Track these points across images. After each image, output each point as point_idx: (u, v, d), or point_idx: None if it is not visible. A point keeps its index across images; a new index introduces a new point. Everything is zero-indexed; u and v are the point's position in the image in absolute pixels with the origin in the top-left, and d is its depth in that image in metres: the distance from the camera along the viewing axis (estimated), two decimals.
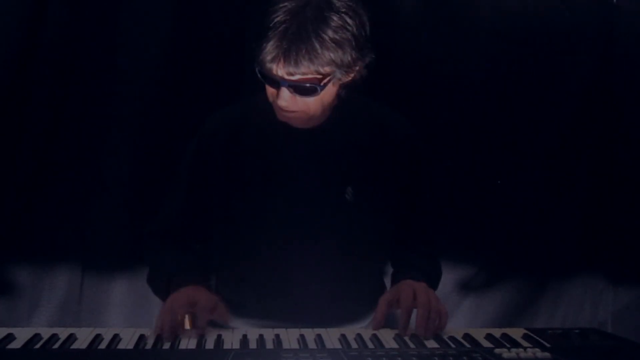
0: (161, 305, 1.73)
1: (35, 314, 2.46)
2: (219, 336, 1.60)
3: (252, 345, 1.55)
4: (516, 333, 1.66)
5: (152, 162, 2.43)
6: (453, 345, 1.57)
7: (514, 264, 2.63)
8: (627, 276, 2.65)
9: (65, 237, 2.44)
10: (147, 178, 2.42)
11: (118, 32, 2.38)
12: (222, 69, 2.41)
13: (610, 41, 2.54)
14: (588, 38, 2.53)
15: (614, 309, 2.68)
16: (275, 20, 1.59)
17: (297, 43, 1.57)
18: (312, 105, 1.68)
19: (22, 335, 1.57)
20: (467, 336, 1.63)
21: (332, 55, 1.59)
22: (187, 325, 1.81)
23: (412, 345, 1.57)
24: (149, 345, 1.55)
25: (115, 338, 1.58)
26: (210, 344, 1.56)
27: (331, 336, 1.61)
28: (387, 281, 1.96)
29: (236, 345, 1.55)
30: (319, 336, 1.60)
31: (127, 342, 1.56)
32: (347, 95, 1.74)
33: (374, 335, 1.63)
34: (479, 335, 1.64)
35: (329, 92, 1.68)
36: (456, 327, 1.72)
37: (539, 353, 1.47)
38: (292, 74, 1.60)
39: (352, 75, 1.68)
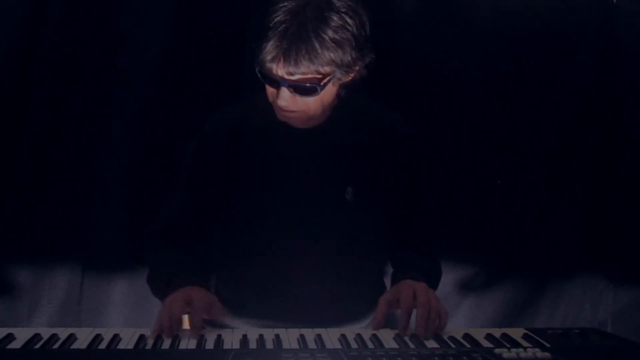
0: (160, 305, 1.74)
1: (35, 314, 2.46)
2: (219, 336, 1.60)
3: (252, 345, 1.55)
4: (516, 333, 1.66)
5: (152, 162, 2.43)
6: (453, 345, 1.57)
7: (514, 264, 2.63)
8: (627, 276, 2.65)
9: (65, 237, 2.44)
10: (147, 178, 2.42)
11: (118, 32, 2.38)
12: (222, 69, 2.41)
13: (610, 41, 2.54)
14: (588, 38, 2.53)
15: (614, 309, 2.68)
16: (275, 20, 1.59)
17: (297, 43, 1.57)
18: (312, 105, 1.68)
19: (22, 335, 1.57)
20: (467, 336, 1.63)
21: (332, 55, 1.59)
22: (187, 325, 1.81)
23: (412, 345, 1.57)
24: (149, 345, 1.55)
25: (115, 338, 1.58)
26: (210, 344, 1.56)
27: (331, 336, 1.61)
28: (387, 281, 1.96)
29: (236, 345, 1.55)
30: (319, 336, 1.60)
31: (127, 342, 1.56)
32: (347, 95, 1.74)
33: (374, 335, 1.63)
34: (479, 335, 1.64)
35: (329, 92, 1.68)
36: (456, 327, 1.72)
37: (539, 353, 1.47)
38: (292, 74, 1.61)
39: (352, 75, 1.68)
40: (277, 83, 1.64)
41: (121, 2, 2.37)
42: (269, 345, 1.55)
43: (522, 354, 1.46)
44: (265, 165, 1.81)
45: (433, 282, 1.88)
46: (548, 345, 1.58)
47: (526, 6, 2.49)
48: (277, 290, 1.84)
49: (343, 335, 1.61)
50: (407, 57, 2.48)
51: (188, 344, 1.56)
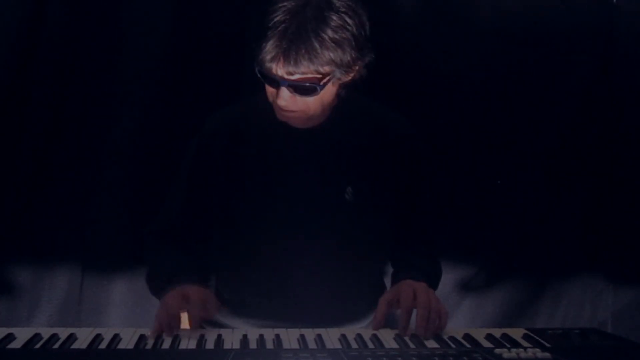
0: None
1: (35, 314, 2.46)
2: (219, 336, 1.60)
3: (252, 345, 1.55)
4: (516, 333, 1.66)
5: (152, 162, 2.42)
6: (453, 346, 1.57)
7: (514, 264, 2.63)
8: (627, 276, 2.65)
9: (65, 237, 2.44)
10: (147, 178, 2.42)
11: (118, 32, 2.38)
12: (222, 69, 2.41)
13: (610, 41, 2.54)
14: (588, 38, 2.53)
15: (614, 309, 2.68)
16: (275, 19, 1.60)
17: (296, 43, 1.57)
18: (311, 105, 1.68)
19: (22, 335, 1.57)
20: (467, 336, 1.63)
21: (331, 54, 1.60)
22: (186, 325, 1.81)
23: (412, 345, 1.57)
24: (149, 345, 1.55)
25: (115, 338, 1.58)
26: (210, 344, 1.56)
27: (331, 336, 1.61)
28: (387, 281, 1.96)
29: (236, 345, 1.55)
30: (319, 336, 1.60)
31: (127, 342, 1.56)
32: (347, 95, 1.74)
33: (374, 335, 1.63)
34: (479, 335, 1.64)
35: (328, 92, 1.68)
36: (456, 327, 1.72)
37: (539, 353, 1.47)
38: (291, 74, 1.61)
39: (351, 75, 1.68)
40: (276, 83, 1.64)
41: (121, 2, 2.37)
42: (269, 345, 1.55)
43: (522, 354, 1.46)
44: (265, 165, 1.81)
45: (433, 282, 1.88)
46: (548, 345, 1.58)
47: (526, 6, 2.49)
48: (277, 290, 1.84)
49: (343, 335, 1.61)
50: (407, 57, 2.48)
51: (188, 344, 1.56)
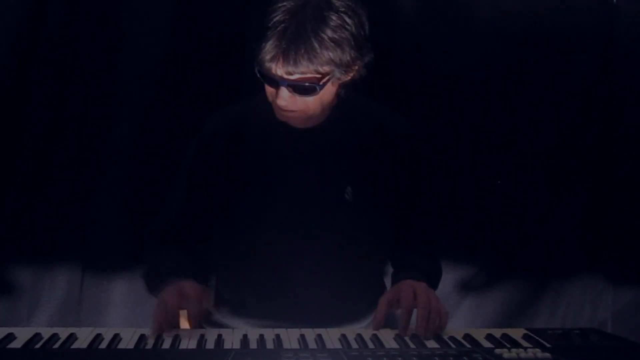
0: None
1: (35, 314, 2.46)
2: (220, 336, 1.60)
3: (253, 345, 1.55)
4: (516, 333, 1.66)
5: (152, 162, 2.42)
6: (453, 346, 1.57)
7: (514, 264, 2.63)
8: (627, 276, 2.65)
9: (65, 237, 2.44)
10: (147, 178, 2.42)
11: (118, 32, 2.38)
12: (222, 69, 2.41)
13: (610, 41, 2.54)
14: (588, 38, 2.53)
15: (614, 309, 2.68)
16: (274, 19, 1.60)
17: (296, 42, 1.57)
18: (311, 104, 1.68)
19: (22, 335, 1.57)
20: (467, 336, 1.63)
21: (331, 54, 1.60)
22: (186, 325, 1.81)
23: (412, 346, 1.57)
24: (149, 345, 1.55)
25: (116, 338, 1.58)
26: (210, 344, 1.56)
27: (331, 336, 1.61)
28: (387, 281, 1.96)
29: (236, 345, 1.55)
30: (319, 336, 1.60)
31: (127, 342, 1.56)
32: (347, 95, 1.74)
33: (375, 335, 1.63)
34: (479, 335, 1.64)
35: (328, 92, 1.68)
36: (456, 327, 1.72)
37: (539, 353, 1.47)
38: (291, 74, 1.61)
39: (351, 74, 1.68)
40: (276, 83, 1.64)
41: (121, 2, 2.37)
42: (270, 345, 1.55)
43: (523, 354, 1.46)
44: (265, 165, 1.81)
45: (433, 282, 1.88)
46: (548, 345, 1.58)
47: (526, 6, 2.49)
48: (277, 290, 1.84)
49: (343, 335, 1.61)
50: (407, 57, 2.48)
51: (188, 344, 1.56)
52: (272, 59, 1.60)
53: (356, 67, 1.67)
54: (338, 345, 1.56)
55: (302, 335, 1.60)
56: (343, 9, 1.62)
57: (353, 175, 1.81)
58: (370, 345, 1.57)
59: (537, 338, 1.63)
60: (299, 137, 1.78)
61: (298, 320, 1.74)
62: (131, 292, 2.48)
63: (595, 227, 2.64)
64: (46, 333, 1.59)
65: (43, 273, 2.46)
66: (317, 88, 1.63)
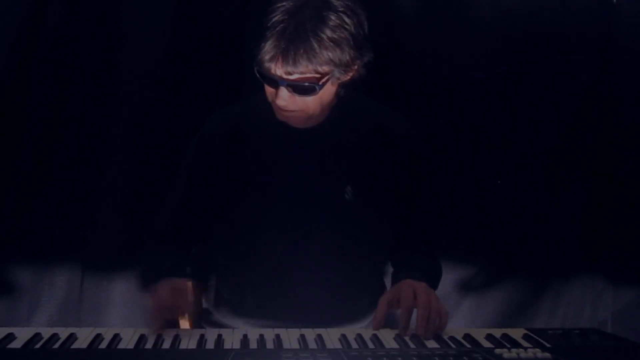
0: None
1: (35, 314, 2.46)
2: (219, 336, 1.59)
3: (253, 345, 1.55)
4: (516, 333, 1.66)
5: (152, 162, 2.42)
6: (453, 346, 1.57)
7: (514, 264, 2.63)
8: (627, 276, 2.65)
9: (65, 237, 2.44)
10: (147, 178, 2.42)
11: (118, 32, 2.38)
12: (222, 69, 2.41)
13: (610, 41, 2.54)
14: (588, 38, 2.53)
15: (614, 309, 2.67)
16: (273, 19, 1.60)
17: (295, 42, 1.57)
18: (311, 104, 1.68)
19: (22, 335, 1.57)
20: (467, 336, 1.63)
21: (330, 54, 1.60)
22: (186, 325, 1.81)
23: (412, 346, 1.57)
24: (149, 345, 1.55)
25: (116, 338, 1.58)
26: (210, 344, 1.56)
27: (331, 336, 1.61)
28: (387, 281, 1.96)
29: (236, 345, 1.54)
30: (319, 336, 1.60)
31: (127, 342, 1.56)
32: (346, 95, 1.74)
33: (375, 335, 1.63)
34: (479, 335, 1.64)
35: (327, 92, 1.68)
36: (456, 327, 1.72)
37: (539, 353, 1.47)
38: (290, 74, 1.61)
39: (350, 74, 1.68)
40: (275, 83, 1.64)
41: (121, 2, 2.37)
42: (270, 345, 1.55)
43: (523, 354, 1.46)
44: (265, 165, 1.81)
45: (433, 282, 1.88)
46: (548, 345, 1.58)
47: (526, 6, 2.49)
48: (277, 290, 1.83)
49: (343, 335, 1.61)
50: (407, 57, 2.48)
51: (188, 344, 1.56)
52: (271, 59, 1.60)
53: (355, 67, 1.67)
54: (338, 345, 1.56)
55: (302, 335, 1.60)
56: (342, 9, 1.62)
57: (353, 175, 1.81)
58: (370, 345, 1.57)
59: (537, 338, 1.62)
60: (299, 137, 1.78)
61: (298, 320, 1.74)
62: (131, 292, 2.48)
63: (595, 227, 2.64)
64: (46, 333, 1.58)
65: (43, 273, 2.46)
66: (317, 88, 1.63)
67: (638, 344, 1.61)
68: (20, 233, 2.41)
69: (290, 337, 1.60)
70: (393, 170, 1.84)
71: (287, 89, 1.63)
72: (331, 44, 1.59)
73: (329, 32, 1.59)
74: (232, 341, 1.58)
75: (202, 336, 1.59)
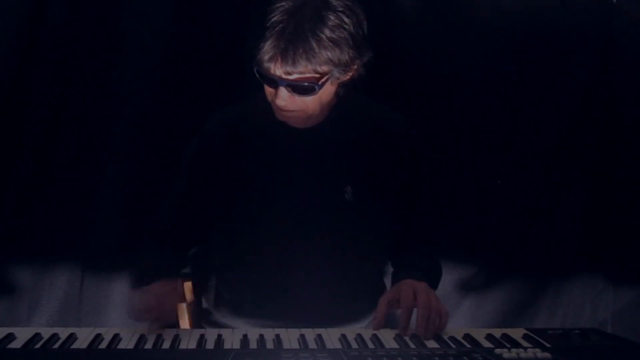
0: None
1: (35, 314, 2.46)
2: (219, 336, 1.59)
3: (253, 345, 1.55)
4: (516, 333, 1.66)
5: (152, 162, 2.42)
6: (453, 346, 1.57)
7: (514, 264, 2.63)
8: (627, 276, 2.65)
9: (65, 237, 2.44)
10: (147, 178, 2.42)
11: (118, 32, 2.38)
12: (222, 69, 2.41)
13: (610, 41, 2.54)
14: (588, 38, 2.53)
15: (614, 309, 2.67)
16: (273, 19, 1.60)
17: (294, 42, 1.58)
18: (310, 104, 1.68)
19: (22, 335, 1.57)
20: (467, 336, 1.63)
21: (329, 54, 1.60)
22: (186, 325, 1.81)
23: (412, 345, 1.57)
24: (149, 345, 1.55)
25: (116, 338, 1.58)
26: (210, 344, 1.55)
27: (331, 336, 1.61)
28: (387, 281, 1.96)
29: (236, 345, 1.54)
30: (319, 336, 1.60)
31: (127, 342, 1.56)
32: (346, 95, 1.74)
33: (375, 335, 1.63)
34: (479, 335, 1.64)
35: (327, 91, 1.68)
36: (456, 327, 1.72)
37: (539, 353, 1.47)
38: (289, 74, 1.61)
39: (350, 74, 1.68)
40: (275, 83, 1.64)
41: (121, 2, 2.37)
42: (270, 345, 1.55)
43: (523, 354, 1.46)
44: (265, 165, 1.81)
45: (433, 282, 1.88)
46: (548, 345, 1.58)
47: (526, 6, 2.49)
48: (277, 290, 1.84)
49: (343, 335, 1.61)
50: (407, 57, 2.47)
51: (188, 344, 1.56)
52: (270, 59, 1.60)
53: (355, 67, 1.67)
54: (338, 345, 1.56)
55: (302, 335, 1.60)
56: (341, 9, 1.62)
57: (353, 175, 1.81)
58: (370, 345, 1.57)
59: (537, 338, 1.62)
60: (299, 137, 1.78)
61: (298, 320, 1.74)
62: None
63: (595, 227, 2.64)
64: (46, 333, 1.58)
65: (43, 273, 2.46)
66: (316, 88, 1.63)
67: (638, 344, 1.61)
68: (20, 233, 2.41)
69: (290, 337, 1.60)
70: (393, 170, 1.84)
71: (286, 89, 1.63)
72: (330, 43, 1.59)
73: (328, 32, 1.59)
74: (232, 341, 1.58)
75: (202, 336, 1.59)
